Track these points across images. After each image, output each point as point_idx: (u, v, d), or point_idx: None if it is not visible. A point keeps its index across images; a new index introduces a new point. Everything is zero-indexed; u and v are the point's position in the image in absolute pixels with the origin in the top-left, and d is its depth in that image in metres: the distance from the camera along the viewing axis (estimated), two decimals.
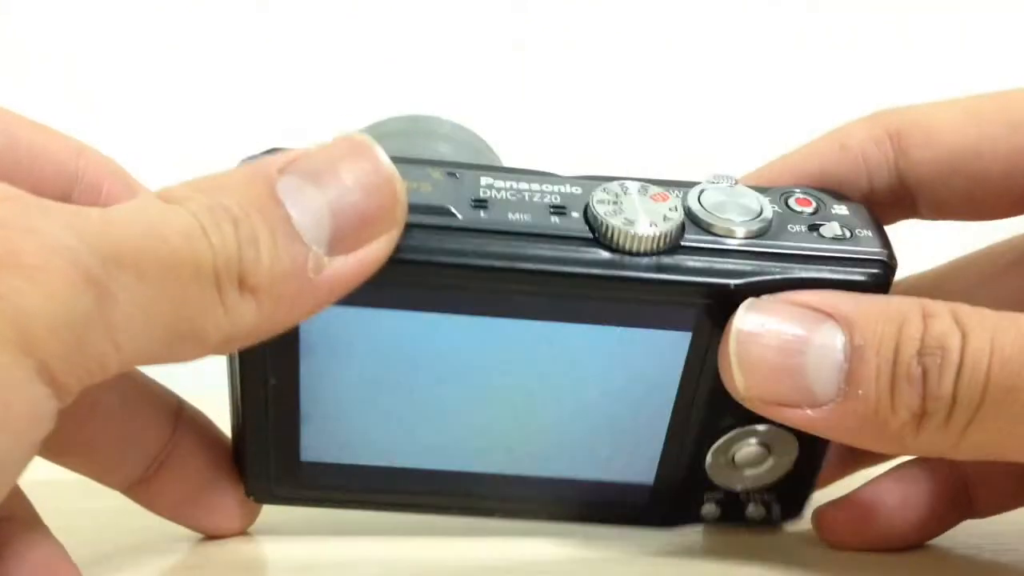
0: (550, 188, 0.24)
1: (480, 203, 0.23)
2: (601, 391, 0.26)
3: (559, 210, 0.24)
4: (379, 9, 0.52)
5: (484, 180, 0.24)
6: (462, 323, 0.24)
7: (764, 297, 0.24)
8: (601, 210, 0.23)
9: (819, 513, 0.29)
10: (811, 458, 0.27)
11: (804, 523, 0.30)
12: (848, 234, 0.24)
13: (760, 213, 0.24)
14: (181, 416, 0.28)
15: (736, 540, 0.29)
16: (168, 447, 0.27)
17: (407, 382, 0.25)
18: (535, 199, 0.24)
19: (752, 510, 0.28)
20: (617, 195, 0.24)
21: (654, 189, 0.24)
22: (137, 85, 0.51)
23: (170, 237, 0.19)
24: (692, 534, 0.29)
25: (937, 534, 0.29)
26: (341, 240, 0.21)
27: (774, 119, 0.49)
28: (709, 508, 0.28)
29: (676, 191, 0.24)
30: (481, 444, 0.26)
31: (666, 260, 0.23)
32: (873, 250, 0.24)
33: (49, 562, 0.24)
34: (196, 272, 0.19)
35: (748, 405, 0.24)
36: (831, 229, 0.24)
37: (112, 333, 0.19)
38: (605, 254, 0.23)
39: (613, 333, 0.24)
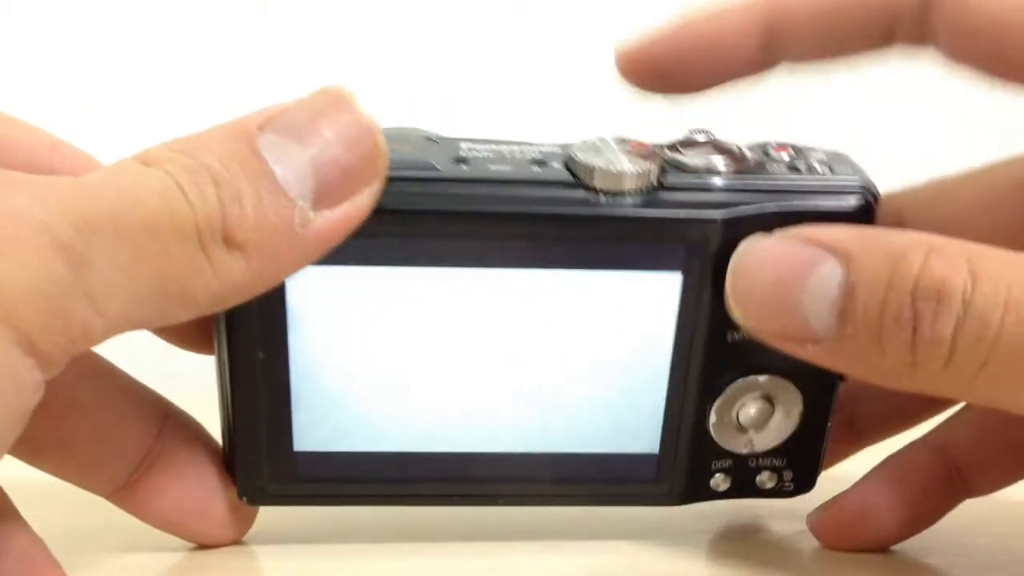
0: (530, 148, 0.25)
1: (461, 160, 0.24)
2: (596, 345, 0.25)
3: (540, 162, 0.24)
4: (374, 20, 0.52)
5: (464, 144, 0.25)
6: (450, 277, 0.24)
7: (771, 234, 0.23)
8: (582, 156, 0.24)
9: (811, 519, 0.29)
10: (817, 415, 0.27)
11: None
12: (829, 170, 0.25)
13: (739, 157, 0.25)
14: (168, 419, 0.27)
15: (744, 547, 0.29)
16: (154, 450, 0.26)
17: (398, 348, 0.25)
18: (515, 155, 0.24)
19: (763, 478, 0.28)
20: (597, 145, 0.24)
21: (634, 141, 0.25)
22: (128, 89, 0.51)
23: (145, 198, 0.19)
24: (697, 537, 0.29)
25: (934, 521, 0.29)
26: (326, 194, 0.21)
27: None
28: (719, 479, 0.28)
29: (655, 144, 0.25)
30: (478, 416, 0.26)
31: (650, 198, 0.24)
32: (855, 179, 0.25)
33: (27, 555, 0.23)
34: (177, 231, 0.19)
35: (755, 337, 0.24)
36: (811, 166, 0.25)
37: (92, 298, 0.19)
38: (589, 195, 0.24)
39: (603, 279, 0.25)
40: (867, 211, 0.25)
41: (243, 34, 0.51)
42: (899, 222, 0.28)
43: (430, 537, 0.28)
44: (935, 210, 0.28)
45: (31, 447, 0.25)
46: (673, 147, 0.25)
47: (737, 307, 0.23)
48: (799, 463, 0.28)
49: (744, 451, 0.27)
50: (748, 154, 0.25)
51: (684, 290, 0.25)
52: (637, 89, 0.26)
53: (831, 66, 0.27)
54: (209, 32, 0.51)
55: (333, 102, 0.22)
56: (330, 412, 0.26)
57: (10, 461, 0.24)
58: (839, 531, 0.29)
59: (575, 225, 0.24)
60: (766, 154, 0.26)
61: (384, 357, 0.25)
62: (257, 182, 0.20)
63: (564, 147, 0.25)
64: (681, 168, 0.25)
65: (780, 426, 0.27)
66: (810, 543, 0.29)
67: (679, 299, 0.25)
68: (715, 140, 0.25)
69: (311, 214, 0.21)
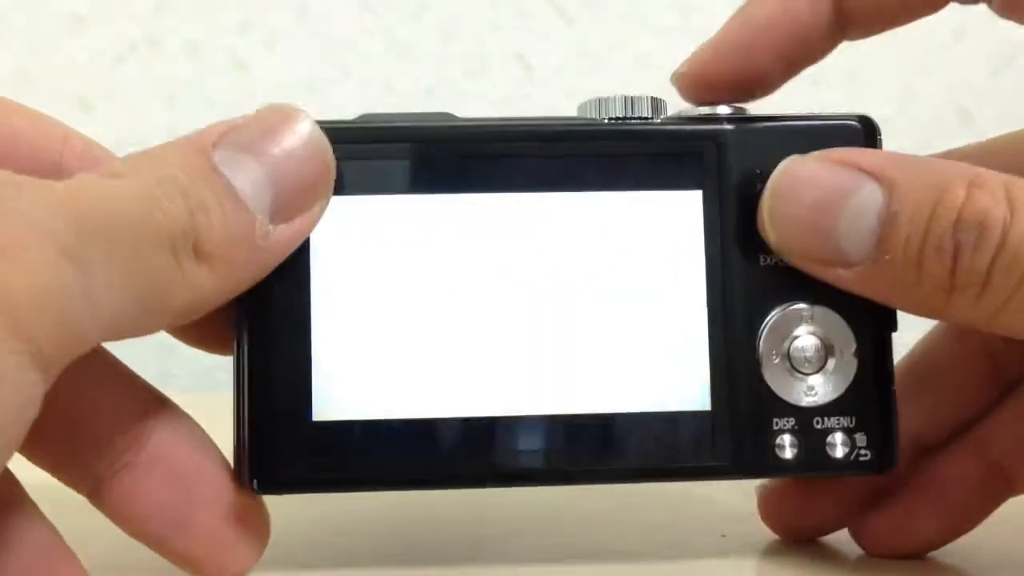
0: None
1: (478, 119, 0.26)
2: (625, 279, 0.25)
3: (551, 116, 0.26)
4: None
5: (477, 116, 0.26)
6: (475, 204, 0.25)
7: (810, 154, 0.24)
8: (590, 102, 0.26)
9: (851, 525, 0.28)
10: (874, 359, 0.26)
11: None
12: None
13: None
14: (160, 409, 0.24)
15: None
16: (139, 441, 0.24)
17: (421, 300, 0.25)
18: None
19: (833, 442, 0.26)
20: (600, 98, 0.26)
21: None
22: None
23: (130, 207, 0.19)
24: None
25: (978, 523, 0.27)
26: (282, 207, 0.22)
27: None
28: (783, 442, 0.26)
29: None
30: (508, 371, 0.25)
31: (660, 119, 0.25)
32: (856, 113, 0.26)
33: (45, 550, 0.22)
34: (156, 240, 0.20)
35: (784, 259, 0.24)
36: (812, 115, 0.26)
37: (93, 306, 0.18)
38: (604, 120, 0.25)
39: (622, 201, 0.25)
40: (871, 128, 0.25)
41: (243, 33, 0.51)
42: None
43: (440, 561, 0.27)
44: (991, 163, 0.28)
45: None
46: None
47: (772, 228, 0.24)
48: (870, 425, 0.26)
49: (805, 402, 0.26)
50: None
51: (706, 209, 0.25)
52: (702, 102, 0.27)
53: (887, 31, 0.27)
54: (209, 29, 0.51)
55: (285, 118, 0.22)
56: (350, 374, 0.25)
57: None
58: (879, 538, 0.28)
59: (596, 139, 0.25)
60: None
61: (407, 312, 0.25)
62: (219, 194, 0.21)
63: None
64: (684, 113, 0.26)
65: (839, 370, 0.26)
66: (852, 548, 0.29)
67: (703, 219, 0.25)
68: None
69: (270, 227, 0.21)
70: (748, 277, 0.25)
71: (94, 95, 0.52)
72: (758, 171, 0.25)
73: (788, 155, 0.24)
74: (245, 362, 0.24)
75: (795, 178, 0.23)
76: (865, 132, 0.25)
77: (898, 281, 0.22)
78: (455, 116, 0.25)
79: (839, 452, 0.26)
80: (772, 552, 0.28)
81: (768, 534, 0.29)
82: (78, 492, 0.24)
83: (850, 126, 0.25)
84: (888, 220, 0.22)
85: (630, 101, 0.25)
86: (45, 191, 0.19)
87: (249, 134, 0.22)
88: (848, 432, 0.26)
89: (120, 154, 0.26)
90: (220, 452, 0.25)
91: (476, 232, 0.25)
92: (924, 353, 0.29)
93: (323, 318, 0.24)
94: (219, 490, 0.24)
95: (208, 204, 0.20)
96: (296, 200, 0.22)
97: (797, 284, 0.25)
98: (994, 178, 0.22)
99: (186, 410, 0.26)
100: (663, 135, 0.25)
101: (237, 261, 0.21)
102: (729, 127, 0.25)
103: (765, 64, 0.26)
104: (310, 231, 0.23)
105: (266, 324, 0.24)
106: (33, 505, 0.23)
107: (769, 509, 0.28)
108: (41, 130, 0.24)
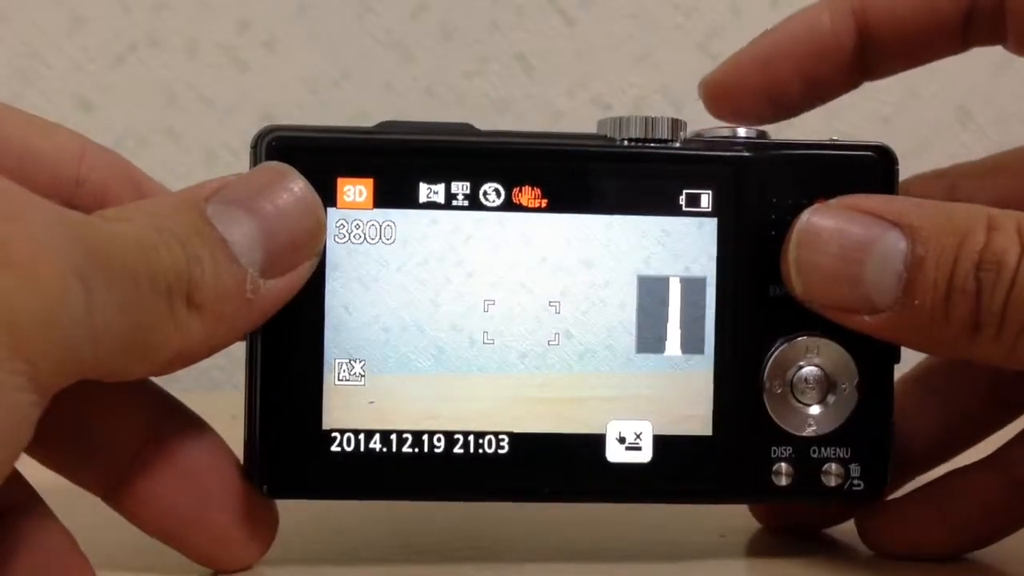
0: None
1: (498, 132, 0.26)
2: (634, 298, 0.25)
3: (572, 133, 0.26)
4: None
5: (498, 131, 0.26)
6: (483, 220, 0.25)
7: (831, 201, 0.24)
8: (610, 120, 0.25)
9: (862, 524, 0.28)
10: (875, 392, 0.26)
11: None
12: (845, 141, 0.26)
13: (759, 132, 0.26)
14: (169, 414, 0.25)
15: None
16: (149, 446, 0.24)
17: (434, 315, 0.25)
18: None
19: (828, 471, 0.26)
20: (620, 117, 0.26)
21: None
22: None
23: (132, 247, 0.19)
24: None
25: (996, 540, 0.27)
26: (273, 264, 0.22)
27: None
28: (780, 470, 0.26)
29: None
30: (514, 384, 0.25)
31: (680, 143, 0.25)
32: (872, 142, 0.26)
33: (59, 553, 0.23)
34: (153, 283, 0.20)
35: (809, 307, 0.24)
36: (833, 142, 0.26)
37: (91, 333, 0.18)
38: (622, 140, 0.25)
39: (635, 225, 0.25)
40: (889, 160, 0.25)
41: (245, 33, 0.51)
42: (953, 194, 0.28)
43: (440, 561, 0.27)
44: (989, 184, 0.28)
45: None
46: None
47: (798, 279, 0.24)
48: (865, 455, 0.26)
49: (804, 432, 0.26)
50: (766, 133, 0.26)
51: (720, 236, 0.25)
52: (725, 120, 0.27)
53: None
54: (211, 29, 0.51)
55: (277, 176, 0.23)
56: (364, 380, 0.25)
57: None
58: (888, 541, 0.28)
59: (606, 163, 0.25)
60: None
61: (417, 320, 0.25)
62: (213, 247, 0.21)
63: None
64: (708, 133, 0.26)
65: (839, 403, 0.26)
66: (852, 548, 0.29)
67: (716, 246, 0.25)
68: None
69: (260, 282, 0.22)
70: (757, 306, 0.26)
71: (94, 95, 0.52)
72: (774, 199, 0.25)
73: (805, 185, 0.25)
74: (258, 367, 0.25)
75: (819, 229, 0.24)
76: (883, 164, 0.25)
77: (925, 325, 0.23)
78: (475, 128, 0.25)
79: (833, 481, 0.26)
80: (772, 552, 0.28)
81: (767, 535, 0.29)
82: (92, 493, 0.24)
83: (867, 157, 0.26)
84: (914, 265, 0.22)
85: (650, 122, 0.25)
86: (57, 212, 0.19)
87: (243, 190, 0.22)
88: (843, 462, 0.26)
89: (121, 154, 0.26)
90: (231, 451, 0.25)
91: (490, 249, 0.25)
92: (927, 366, 0.29)
93: (336, 328, 0.25)
94: (231, 489, 0.25)
95: (202, 255, 0.21)
96: (287, 256, 0.22)
97: (804, 316, 0.25)
98: (1008, 219, 0.22)
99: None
100: (681, 160, 0.25)
101: (226, 314, 0.21)
102: (747, 154, 0.25)
103: (785, 80, 0.27)
104: (299, 287, 0.23)
105: (279, 332, 0.24)
106: (47, 508, 0.23)
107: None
108: (57, 144, 0.24)
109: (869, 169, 0.25)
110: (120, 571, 0.25)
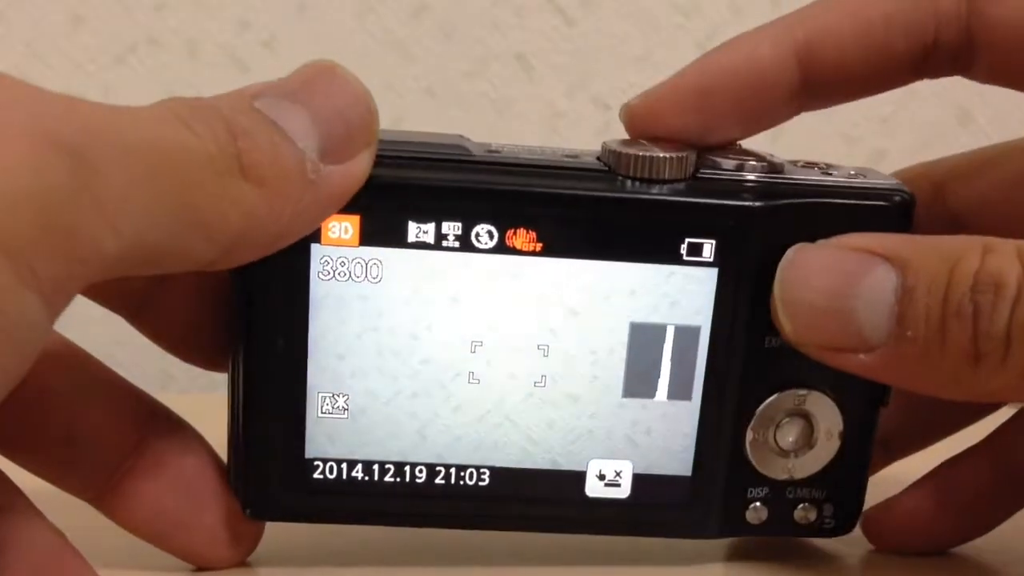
0: (561, 148, 0.25)
1: (493, 151, 0.24)
2: (624, 344, 0.25)
3: (572, 155, 0.24)
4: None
5: (494, 144, 0.24)
6: (475, 262, 0.23)
7: (819, 242, 0.23)
8: (615, 145, 0.24)
9: (863, 520, 0.28)
10: (857, 442, 0.26)
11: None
12: (862, 176, 0.24)
13: (773, 162, 0.24)
14: (154, 418, 0.25)
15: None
16: (137, 451, 0.25)
17: (416, 347, 0.24)
18: (546, 152, 0.24)
19: (801, 512, 0.27)
20: (627, 141, 0.24)
21: (666, 140, 0.24)
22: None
23: (149, 121, 0.18)
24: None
25: (991, 527, 0.28)
26: (330, 150, 0.21)
27: None
28: (755, 509, 0.27)
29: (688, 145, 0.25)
30: (501, 425, 0.25)
31: (683, 186, 0.24)
32: (891, 182, 0.24)
33: (52, 552, 0.22)
34: (187, 154, 0.18)
35: (800, 350, 0.23)
36: (843, 172, 0.25)
37: (103, 210, 0.16)
38: (623, 180, 0.23)
39: (633, 272, 0.24)
40: (906, 210, 0.24)
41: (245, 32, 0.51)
42: (940, 193, 0.27)
43: (441, 558, 0.28)
44: (977, 182, 0.27)
45: (4, 440, 0.23)
46: (706, 150, 0.25)
47: (785, 318, 0.23)
48: (839, 497, 0.27)
49: (782, 477, 0.26)
50: (780, 160, 0.25)
51: (720, 286, 0.24)
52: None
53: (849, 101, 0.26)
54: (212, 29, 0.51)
55: (323, 70, 0.22)
56: (347, 413, 0.25)
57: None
58: (890, 535, 0.28)
59: (610, 208, 0.23)
60: (792, 163, 0.25)
61: (402, 358, 0.25)
62: (265, 125, 0.20)
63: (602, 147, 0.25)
64: (713, 166, 0.24)
65: (820, 450, 0.26)
66: (852, 548, 0.29)
67: (714, 296, 0.24)
68: (746, 148, 0.25)
69: (321, 165, 0.21)
70: (749, 357, 0.25)
71: (94, 95, 0.52)
72: (781, 248, 0.24)
73: (815, 236, 0.23)
74: (240, 396, 0.24)
75: (805, 265, 0.23)
76: (899, 213, 0.24)
77: (922, 358, 0.21)
78: (468, 148, 0.24)
79: (805, 520, 0.27)
80: (772, 552, 0.28)
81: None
82: (80, 499, 0.25)
83: (883, 208, 0.24)
84: (906, 295, 0.21)
85: (655, 163, 0.23)
86: (42, 91, 0.17)
87: (289, 85, 0.21)
88: (817, 503, 0.27)
89: None
90: (216, 455, 0.25)
91: (480, 291, 0.24)
92: None
93: (319, 364, 0.24)
94: (217, 492, 0.25)
95: (252, 131, 0.19)
96: (343, 144, 0.21)
97: (795, 367, 0.24)
98: (1006, 243, 0.21)
99: (184, 411, 0.26)
100: (685, 208, 0.24)
101: (290, 192, 0.20)
102: (756, 204, 0.24)
103: (720, 113, 0.25)
104: (360, 178, 0.22)
105: (263, 363, 0.24)
106: (34, 508, 0.23)
107: None
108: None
109: (885, 219, 0.24)
110: (110, 569, 0.24)
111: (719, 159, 0.24)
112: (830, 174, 0.25)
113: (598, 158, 0.24)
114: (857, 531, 0.28)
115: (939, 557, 0.28)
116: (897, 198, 0.24)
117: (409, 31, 0.52)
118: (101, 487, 0.24)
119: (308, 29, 0.52)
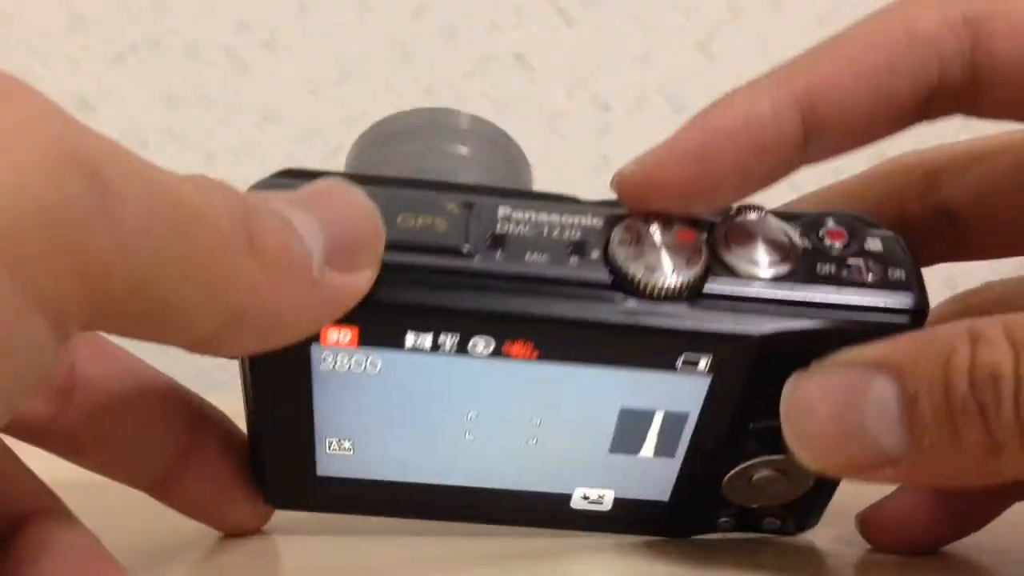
0: (570, 220, 0.24)
1: (497, 240, 0.23)
2: (615, 425, 0.25)
3: (579, 248, 0.23)
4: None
5: (502, 211, 0.23)
6: (474, 364, 0.24)
7: (814, 366, 0.22)
8: (621, 254, 0.23)
9: (859, 519, 0.28)
10: (828, 481, 0.27)
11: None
12: (880, 275, 0.24)
13: (788, 253, 0.24)
14: (203, 416, 0.27)
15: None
16: (189, 446, 0.26)
17: (421, 417, 0.25)
18: (554, 234, 0.23)
19: (767, 523, 0.28)
20: (639, 234, 0.23)
21: (678, 225, 0.23)
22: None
23: (169, 173, 0.17)
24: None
25: (985, 523, 0.28)
26: (336, 258, 0.20)
27: None
28: (725, 523, 0.28)
29: (701, 227, 0.24)
30: (495, 466, 0.27)
31: (687, 308, 0.23)
32: (906, 298, 0.24)
33: (89, 555, 0.23)
34: (195, 211, 0.17)
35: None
36: (862, 271, 0.24)
37: (118, 236, 0.15)
38: (624, 300, 0.23)
39: (627, 374, 0.24)
40: (918, 322, 0.23)
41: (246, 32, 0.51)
42: (934, 184, 0.27)
43: (448, 528, 0.29)
44: (973, 174, 0.27)
45: (73, 445, 0.25)
46: (722, 233, 0.24)
47: (802, 452, 0.22)
48: (804, 513, 0.28)
49: (753, 506, 0.28)
50: (798, 243, 0.24)
51: (712, 389, 0.24)
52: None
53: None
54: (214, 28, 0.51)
55: (333, 186, 0.21)
56: (352, 451, 0.26)
57: (46, 461, 0.25)
58: (885, 532, 0.28)
59: (607, 331, 0.23)
60: (819, 239, 0.24)
61: (405, 422, 0.26)
62: (278, 219, 0.19)
63: (608, 219, 0.24)
64: (724, 267, 0.23)
65: (792, 489, 0.27)
66: (860, 542, 0.29)
67: (705, 395, 0.24)
68: (767, 222, 0.24)
69: (325, 268, 0.20)
70: (733, 435, 0.25)
71: (94, 95, 0.52)
72: (782, 360, 0.23)
73: (821, 354, 0.22)
74: (255, 426, 0.26)
75: (808, 396, 0.22)
76: (912, 327, 0.23)
77: (945, 461, 0.21)
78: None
79: (769, 527, 0.29)
80: (771, 552, 0.29)
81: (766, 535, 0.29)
82: (133, 488, 0.26)
83: (897, 325, 0.23)
84: (909, 404, 0.21)
85: (663, 290, 0.23)
86: (65, 111, 0.16)
87: (299, 195, 0.20)
88: (782, 518, 0.28)
89: None
90: (240, 430, 0.27)
91: (475, 390, 0.25)
92: None
93: (325, 421, 0.25)
94: (246, 482, 0.27)
95: (266, 218, 0.19)
96: (348, 255, 0.20)
97: (778, 440, 0.23)
98: (991, 326, 0.20)
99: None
100: (689, 334, 0.23)
101: (294, 280, 0.19)
102: (758, 334, 0.23)
103: (721, 174, 0.24)
104: (362, 292, 0.21)
105: (271, 407, 0.25)
106: (69, 512, 0.24)
107: None
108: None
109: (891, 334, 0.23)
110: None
111: (732, 256, 0.23)
112: (848, 270, 0.24)
113: (604, 257, 0.23)
114: (856, 531, 0.29)
115: (937, 557, 0.28)
116: (906, 320, 0.23)
117: (409, 31, 0.52)
118: (158, 480, 0.26)
119: (308, 29, 0.52)
